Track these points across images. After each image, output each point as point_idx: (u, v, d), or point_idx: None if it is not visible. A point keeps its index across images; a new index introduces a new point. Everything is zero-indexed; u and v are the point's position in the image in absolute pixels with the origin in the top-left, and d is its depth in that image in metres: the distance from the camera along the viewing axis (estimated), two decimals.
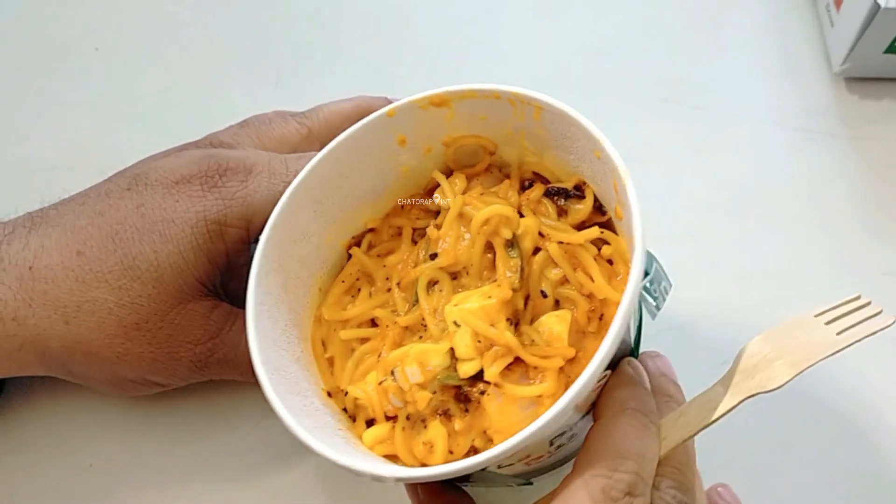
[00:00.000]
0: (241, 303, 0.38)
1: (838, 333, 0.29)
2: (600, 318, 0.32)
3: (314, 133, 0.43)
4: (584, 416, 0.30)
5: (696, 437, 0.29)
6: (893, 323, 0.29)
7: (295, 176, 0.36)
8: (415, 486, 0.32)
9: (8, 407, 0.41)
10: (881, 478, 0.37)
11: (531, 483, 0.35)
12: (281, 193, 0.35)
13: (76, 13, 0.57)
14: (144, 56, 0.55)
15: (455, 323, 0.30)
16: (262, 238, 0.32)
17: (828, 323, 0.30)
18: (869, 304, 0.30)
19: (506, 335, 0.29)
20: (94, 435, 0.40)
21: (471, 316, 0.30)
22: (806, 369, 0.28)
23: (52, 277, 0.33)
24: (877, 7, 0.45)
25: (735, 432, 0.34)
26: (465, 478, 0.32)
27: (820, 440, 0.38)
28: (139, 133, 0.41)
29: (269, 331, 0.31)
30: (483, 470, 0.29)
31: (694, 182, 0.47)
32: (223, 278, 0.37)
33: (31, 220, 0.35)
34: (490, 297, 0.30)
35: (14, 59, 0.55)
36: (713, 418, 0.29)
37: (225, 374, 0.37)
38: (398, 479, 0.26)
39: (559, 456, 0.32)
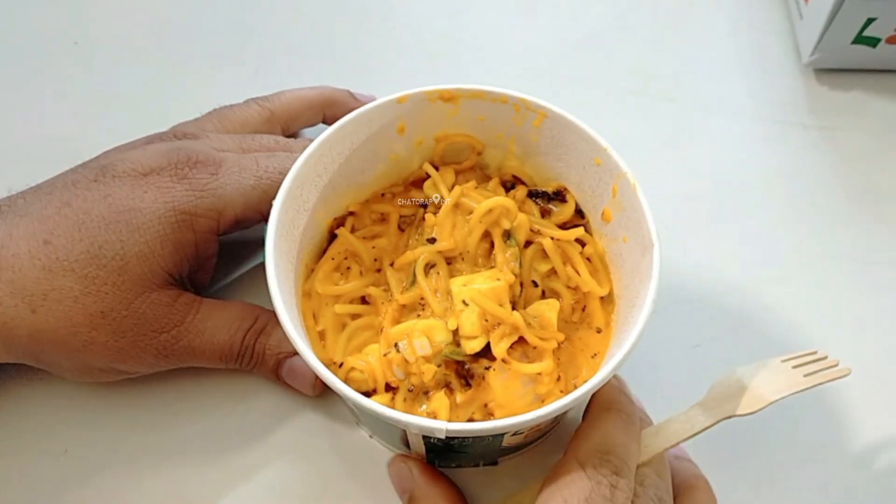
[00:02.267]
0: (206, 293, 0.39)
1: (805, 375, 0.34)
2: (583, 310, 0.35)
3: (276, 116, 0.43)
4: None
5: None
6: (850, 373, 0.34)
7: (265, 172, 0.37)
8: (409, 469, 0.34)
9: None
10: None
11: (496, 463, 0.37)
12: (251, 188, 0.37)
13: (56, 7, 0.55)
14: (124, 50, 0.53)
15: (464, 302, 0.32)
16: (277, 202, 0.32)
17: (794, 367, 0.35)
18: (826, 357, 0.35)
19: (514, 315, 0.32)
20: (69, 421, 0.39)
21: (481, 296, 0.32)
22: (778, 400, 0.33)
23: (19, 266, 0.33)
24: None
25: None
26: (448, 452, 0.34)
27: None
28: (119, 127, 0.39)
29: (285, 295, 0.31)
30: (489, 439, 0.31)
31: (666, 173, 0.47)
32: (190, 269, 0.37)
33: None
34: (498, 279, 0.32)
35: None
36: (692, 433, 0.33)
37: (191, 361, 0.37)
38: (449, 431, 0.27)
39: (544, 431, 0.34)
